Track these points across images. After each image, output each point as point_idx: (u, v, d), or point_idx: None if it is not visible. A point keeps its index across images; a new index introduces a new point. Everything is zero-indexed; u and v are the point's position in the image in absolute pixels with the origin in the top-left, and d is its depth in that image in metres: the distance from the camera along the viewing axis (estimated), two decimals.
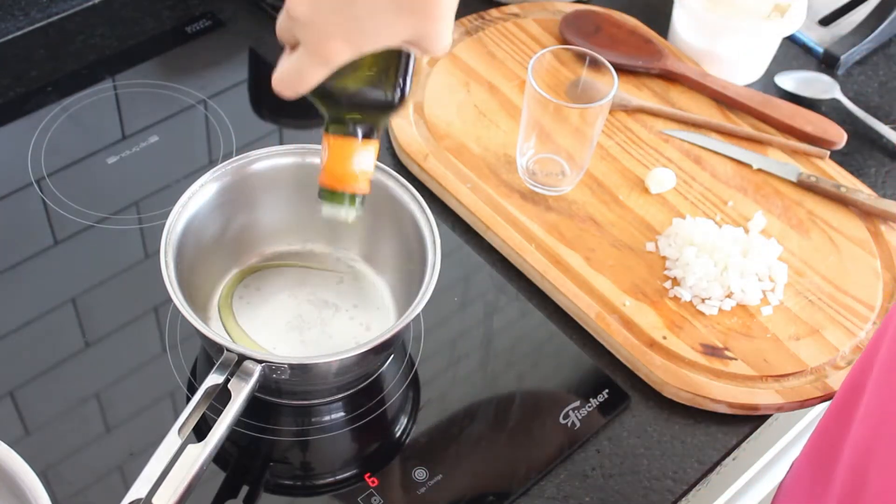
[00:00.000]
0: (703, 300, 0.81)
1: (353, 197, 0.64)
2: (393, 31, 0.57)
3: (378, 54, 0.59)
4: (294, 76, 0.59)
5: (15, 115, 0.89)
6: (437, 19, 0.57)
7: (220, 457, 0.69)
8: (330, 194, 0.64)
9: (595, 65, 0.83)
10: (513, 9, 1.02)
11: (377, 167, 0.75)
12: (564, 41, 0.99)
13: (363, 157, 0.64)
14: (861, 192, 0.89)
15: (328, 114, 0.63)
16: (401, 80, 0.61)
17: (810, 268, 0.85)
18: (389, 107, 0.62)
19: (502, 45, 0.98)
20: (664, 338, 0.79)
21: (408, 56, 0.61)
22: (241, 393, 0.64)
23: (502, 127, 0.92)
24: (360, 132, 0.63)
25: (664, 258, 0.84)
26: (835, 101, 0.99)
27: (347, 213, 0.65)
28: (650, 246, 0.84)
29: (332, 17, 0.56)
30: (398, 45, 0.58)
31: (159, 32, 0.98)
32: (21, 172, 0.85)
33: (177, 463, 0.61)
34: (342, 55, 0.57)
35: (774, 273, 0.83)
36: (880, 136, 0.97)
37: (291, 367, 0.65)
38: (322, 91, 0.61)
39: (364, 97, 0.62)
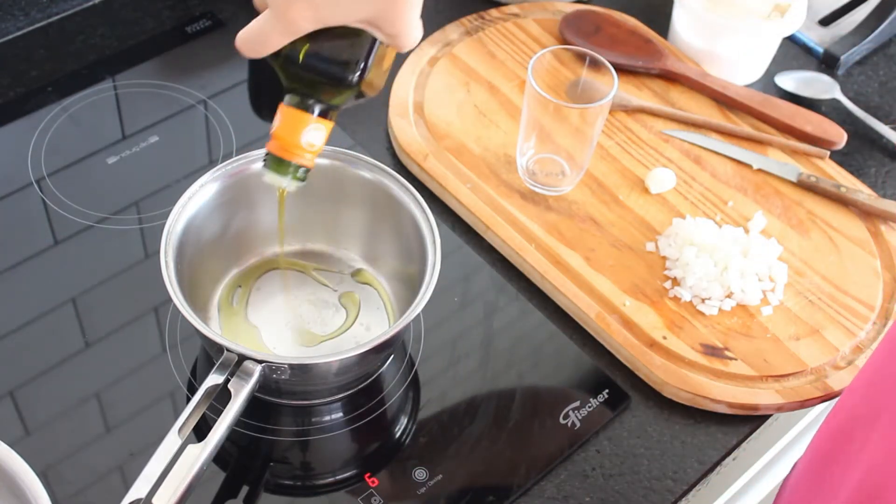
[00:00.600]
0: (703, 300, 0.81)
1: (297, 168, 0.65)
2: (358, 6, 0.58)
3: (342, 32, 0.60)
4: (256, 38, 0.60)
5: (15, 115, 0.89)
6: (402, 3, 0.58)
7: (220, 457, 0.69)
8: (275, 162, 0.65)
9: (595, 65, 0.83)
10: (513, 9, 1.02)
11: (377, 167, 0.75)
12: (564, 41, 0.99)
13: (313, 134, 0.64)
14: (861, 192, 0.89)
15: (286, 83, 0.64)
16: (360, 63, 0.62)
17: (810, 268, 0.85)
18: (343, 86, 0.63)
19: (502, 45, 0.98)
20: (664, 338, 0.79)
21: (373, 41, 0.62)
22: (241, 393, 0.64)
23: (502, 127, 0.92)
24: (314, 109, 0.64)
25: (664, 258, 0.84)
26: (835, 101, 0.99)
27: (289, 184, 0.66)
28: (650, 246, 0.84)
29: None
30: (361, 22, 0.59)
31: (159, 32, 0.98)
32: (21, 172, 0.85)
33: (177, 463, 0.61)
34: (305, 23, 0.58)
35: (774, 273, 0.83)
36: (880, 136, 0.97)
37: (291, 367, 0.65)
38: (282, 58, 0.62)
39: (320, 71, 0.62)
